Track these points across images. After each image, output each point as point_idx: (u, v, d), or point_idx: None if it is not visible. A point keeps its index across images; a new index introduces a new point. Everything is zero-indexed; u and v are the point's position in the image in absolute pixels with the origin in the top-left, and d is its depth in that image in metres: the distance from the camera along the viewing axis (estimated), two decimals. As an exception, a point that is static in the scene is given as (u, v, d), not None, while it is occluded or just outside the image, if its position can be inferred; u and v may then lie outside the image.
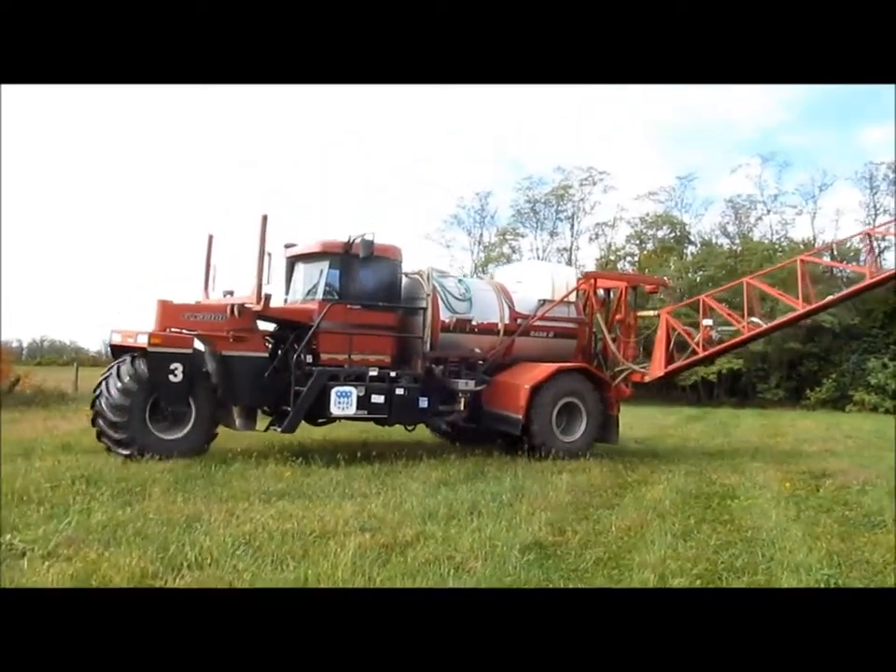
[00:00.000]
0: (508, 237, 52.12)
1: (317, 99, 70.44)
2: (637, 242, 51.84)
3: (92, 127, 62.19)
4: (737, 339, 15.16)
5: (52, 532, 6.67)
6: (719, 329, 15.07)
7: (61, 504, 7.90)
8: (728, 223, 51.50)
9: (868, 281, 14.39)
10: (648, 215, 50.97)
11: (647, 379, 15.19)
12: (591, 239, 52.95)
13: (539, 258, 49.65)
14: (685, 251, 51.42)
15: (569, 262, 49.70)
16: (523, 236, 52.49)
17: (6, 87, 11.79)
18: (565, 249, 52.35)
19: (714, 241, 51.23)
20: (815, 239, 47.76)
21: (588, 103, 76.14)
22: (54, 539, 6.40)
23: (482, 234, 53.66)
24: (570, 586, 5.99)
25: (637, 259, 51.06)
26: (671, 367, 14.99)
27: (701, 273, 47.26)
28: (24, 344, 69.49)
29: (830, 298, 15.07)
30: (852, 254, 41.92)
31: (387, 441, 14.48)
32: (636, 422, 24.10)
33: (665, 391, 44.83)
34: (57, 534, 6.60)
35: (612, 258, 50.69)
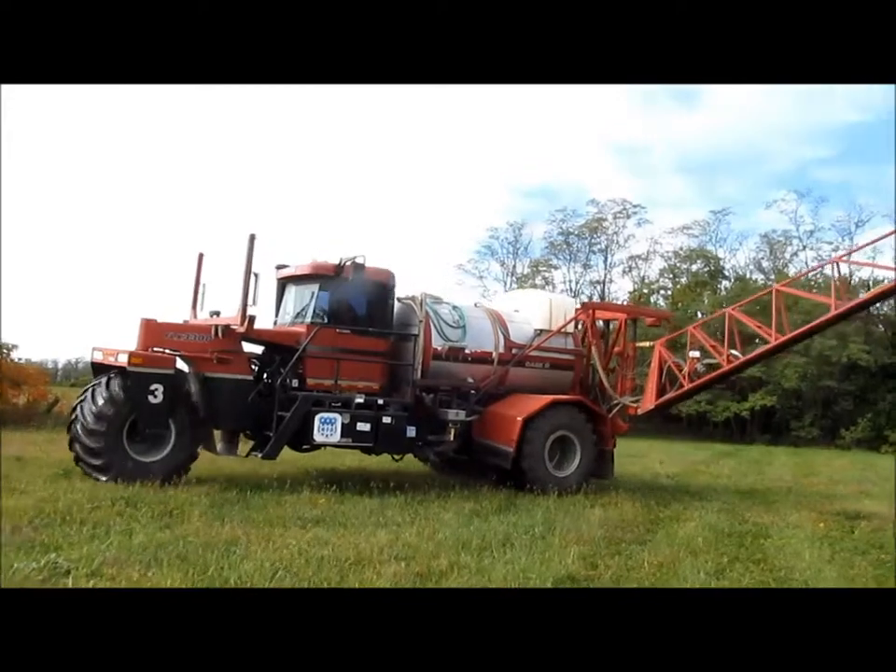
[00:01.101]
0: (541, 268, 52.45)
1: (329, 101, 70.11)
2: (671, 275, 51.89)
3: (101, 130, 61.76)
4: (718, 371, 14.52)
5: (95, 552, 6.82)
6: (704, 361, 14.56)
7: (102, 524, 8.06)
8: (763, 258, 51.52)
9: (832, 313, 13.62)
10: (682, 248, 51.12)
11: (640, 412, 14.86)
12: (624, 272, 53.21)
13: (571, 290, 49.87)
14: (719, 286, 51.31)
15: (602, 295, 49.79)
16: (556, 268, 52.88)
17: (5, 87, 11.65)
18: (598, 282, 52.62)
19: (748, 276, 51.12)
20: (851, 275, 47.44)
21: (622, 133, 76.52)
22: (97, 559, 6.55)
23: (514, 265, 54.05)
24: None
25: (670, 292, 51.05)
26: (660, 400, 14.64)
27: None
28: (59, 365, 70.63)
29: (798, 331, 14.26)
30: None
31: (421, 472, 14.56)
32: (667, 457, 24.12)
33: (697, 427, 44.62)
34: (100, 554, 6.75)
35: (646, 291, 50.72)
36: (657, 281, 52.47)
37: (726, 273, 52.05)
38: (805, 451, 34.97)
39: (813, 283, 41.90)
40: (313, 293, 12.69)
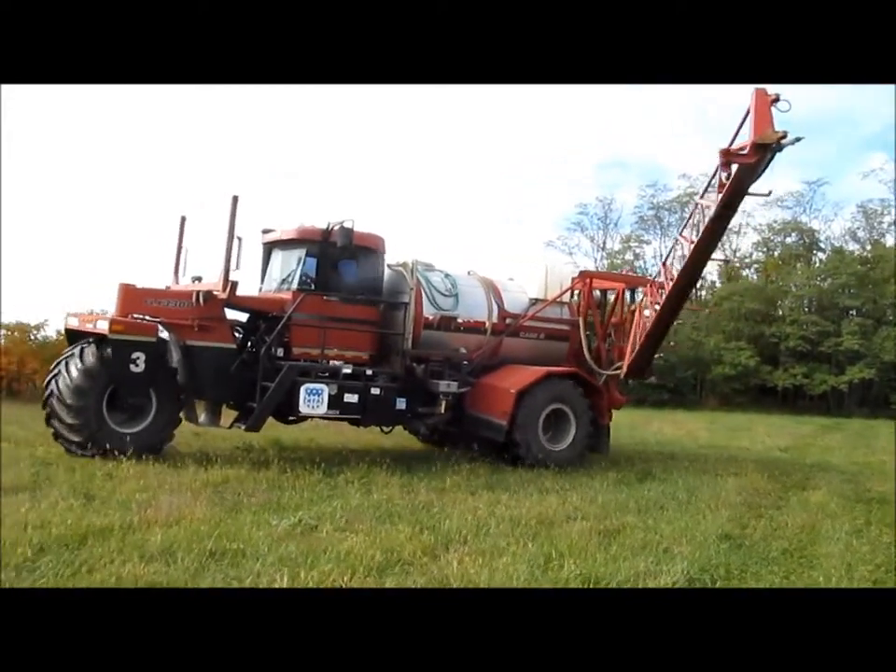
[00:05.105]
0: (632, 244, 52.69)
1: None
2: (764, 249, 51.61)
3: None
4: (645, 334, 13.49)
5: (327, 511, 8.07)
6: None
7: (311, 490, 9.31)
8: (858, 228, 50.68)
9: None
10: (775, 221, 50.71)
11: (622, 378, 14.52)
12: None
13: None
14: (814, 258, 50.82)
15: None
16: (647, 243, 52.97)
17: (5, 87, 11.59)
18: (689, 256, 52.46)
19: (844, 246, 50.45)
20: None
21: (707, 105, 75.39)
22: (338, 515, 7.85)
23: (605, 241, 54.40)
24: (766, 572, 6.95)
25: (763, 265, 50.85)
26: (627, 366, 14.00)
27: (831, 280, 46.72)
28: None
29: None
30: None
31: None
32: (772, 430, 24.78)
33: (792, 400, 44.64)
34: (334, 513, 7.99)
35: (738, 265, 50.61)
36: (750, 255, 52.25)
37: (821, 245, 51.47)
38: (906, 423, 34.85)
39: None
40: (299, 259, 12.28)
